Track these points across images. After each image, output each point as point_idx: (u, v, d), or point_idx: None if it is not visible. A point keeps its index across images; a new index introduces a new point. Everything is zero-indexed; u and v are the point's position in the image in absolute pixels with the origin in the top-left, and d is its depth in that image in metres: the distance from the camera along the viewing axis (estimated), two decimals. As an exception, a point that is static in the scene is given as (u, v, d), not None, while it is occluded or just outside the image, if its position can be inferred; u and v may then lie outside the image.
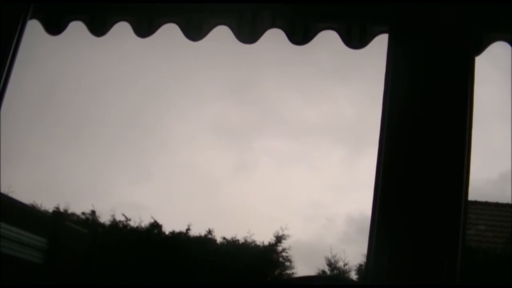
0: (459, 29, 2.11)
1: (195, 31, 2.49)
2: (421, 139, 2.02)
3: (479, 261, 7.20)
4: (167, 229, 8.63)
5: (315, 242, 9.92)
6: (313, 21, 2.41)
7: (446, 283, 1.85)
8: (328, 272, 8.94)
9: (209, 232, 8.63)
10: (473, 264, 7.00)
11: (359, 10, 2.35)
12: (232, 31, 2.45)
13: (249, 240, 8.68)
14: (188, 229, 8.59)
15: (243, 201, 9.86)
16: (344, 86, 9.54)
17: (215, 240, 8.64)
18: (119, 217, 8.76)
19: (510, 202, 8.54)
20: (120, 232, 8.60)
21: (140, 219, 8.67)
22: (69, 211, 8.98)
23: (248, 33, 2.43)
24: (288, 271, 8.67)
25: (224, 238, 8.66)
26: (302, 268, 8.94)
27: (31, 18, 2.50)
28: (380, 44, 2.30)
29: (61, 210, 8.80)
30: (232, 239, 8.67)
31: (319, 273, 8.93)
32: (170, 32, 2.52)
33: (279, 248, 8.61)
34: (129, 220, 8.65)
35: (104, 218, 8.86)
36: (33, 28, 2.55)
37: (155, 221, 8.61)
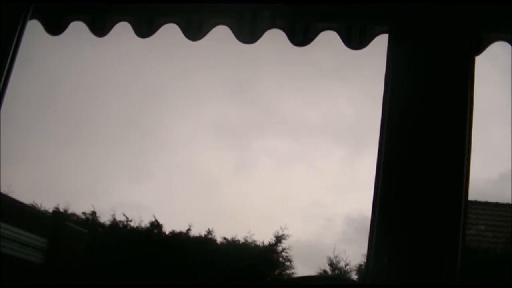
0: (459, 29, 2.11)
1: (195, 31, 2.49)
2: (421, 139, 2.02)
3: (479, 261, 7.19)
4: (167, 229, 8.65)
5: (315, 242, 9.93)
6: (313, 21, 2.41)
7: (446, 283, 1.86)
8: (330, 272, 8.93)
9: (209, 232, 8.64)
10: (473, 264, 7.00)
11: (359, 10, 2.35)
12: (232, 31, 2.45)
13: (249, 240, 8.69)
14: (188, 229, 8.60)
15: (243, 201, 9.87)
16: (344, 86, 9.54)
17: (215, 240, 8.65)
18: (119, 217, 8.77)
19: (510, 202, 8.54)
20: (120, 232, 8.60)
21: (140, 219, 8.70)
22: (69, 211, 8.98)
23: (248, 33, 2.43)
24: (288, 271, 8.67)
25: (224, 238, 8.67)
26: (302, 268, 8.94)
27: (31, 18, 2.50)
28: (380, 44, 2.31)
29: (61, 210, 8.80)
30: (232, 239, 8.67)
31: (320, 273, 8.92)
32: (170, 32, 2.53)
33: (279, 248, 8.61)
34: (130, 220, 8.67)
35: (104, 218, 8.87)
36: (33, 28, 2.55)
37: (156, 221, 8.61)
